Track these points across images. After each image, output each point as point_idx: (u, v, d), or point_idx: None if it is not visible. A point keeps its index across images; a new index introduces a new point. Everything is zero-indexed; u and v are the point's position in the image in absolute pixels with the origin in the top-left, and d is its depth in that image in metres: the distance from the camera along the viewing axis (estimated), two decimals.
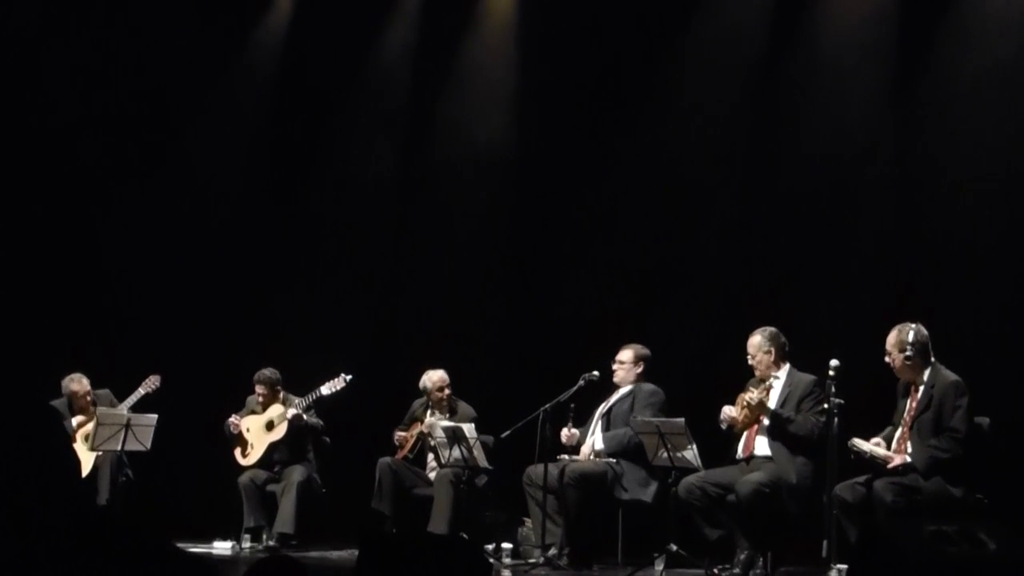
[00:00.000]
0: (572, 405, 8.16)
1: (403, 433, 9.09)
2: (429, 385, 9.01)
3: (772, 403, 7.46)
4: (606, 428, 8.18)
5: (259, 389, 9.22)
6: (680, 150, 9.61)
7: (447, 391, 8.98)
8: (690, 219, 9.55)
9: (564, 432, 8.21)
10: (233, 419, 9.23)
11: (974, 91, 8.62)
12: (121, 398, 9.41)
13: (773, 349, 7.57)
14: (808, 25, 9.26)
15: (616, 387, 8.33)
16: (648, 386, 8.23)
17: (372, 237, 10.53)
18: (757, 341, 7.62)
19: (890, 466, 6.76)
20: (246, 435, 9.24)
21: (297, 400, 9.14)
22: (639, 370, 8.28)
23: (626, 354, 8.31)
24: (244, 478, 9.10)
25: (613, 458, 8.04)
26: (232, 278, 10.46)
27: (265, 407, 9.22)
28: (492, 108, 10.26)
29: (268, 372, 9.24)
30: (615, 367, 8.29)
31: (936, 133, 8.79)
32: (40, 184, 10.40)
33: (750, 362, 7.62)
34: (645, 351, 8.33)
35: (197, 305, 10.40)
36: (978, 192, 8.58)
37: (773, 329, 7.65)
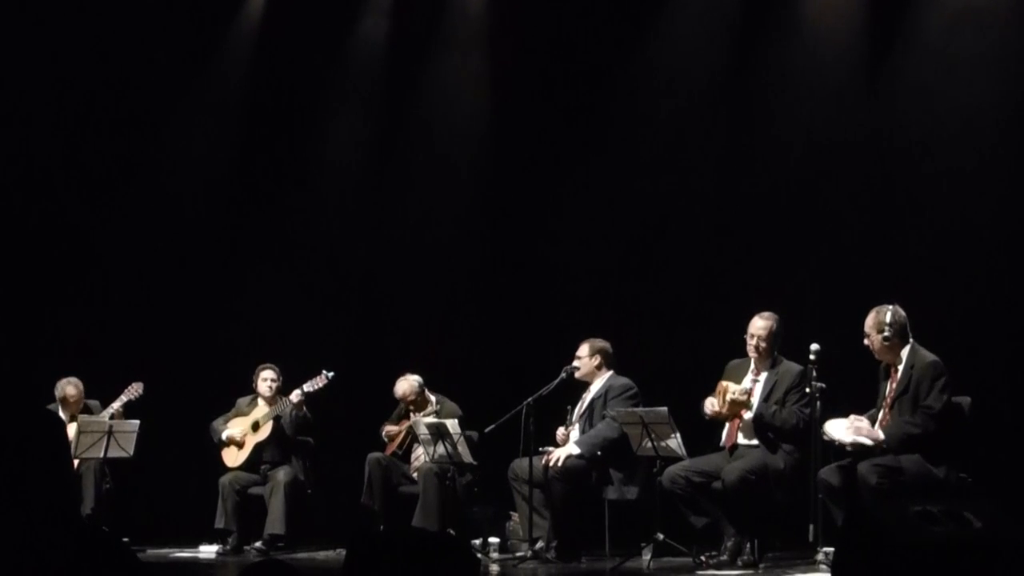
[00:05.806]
0: (569, 407, 8.19)
1: (392, 427, 9.08)
2: (398, 396, 9.01)
3: (757, 394, 7.43)
4: (590, 427, 8.16)
5: (267, 374, 9.15)
6: (656, 136, 9.60)
7: (418, 397, 8.93)
8: (668, 207, 9.55)
9: (560, 432, 8.21)
10: (226, 434, 9.19)
11: (951, 71, 8.65)
12: (104, 406, 9.35)
13: (777, 337, 7.47)
14: (783, 7, 9.28)
15: (583, 384, 8.30)
16: (621, 380, 8.21)
17: (350, 233, 10.49)
18: (768, 325, 7.46)
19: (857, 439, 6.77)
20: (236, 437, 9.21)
21: (284, 399, 9.09)
22: (597, 362, 8.24)
23: (583, 349, 8.24)
24: (225, 479, 9.04)
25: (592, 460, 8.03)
26: (210, 281, 10.40)
27: (272, 399, 9.13)
28: (466, 99, 10.24)
29: (271, 365, 9.22)
30: (575, 363, 8.22)
31: (913, 116, 8.81)
32: (17, 189, 10.31)
33: (751, 343, 7.49)
34: (602, 343, 8.27)
35: (176, 310, 10.35)
36: (954, 173, 8.62)
37: (777, 318, 7.52)
